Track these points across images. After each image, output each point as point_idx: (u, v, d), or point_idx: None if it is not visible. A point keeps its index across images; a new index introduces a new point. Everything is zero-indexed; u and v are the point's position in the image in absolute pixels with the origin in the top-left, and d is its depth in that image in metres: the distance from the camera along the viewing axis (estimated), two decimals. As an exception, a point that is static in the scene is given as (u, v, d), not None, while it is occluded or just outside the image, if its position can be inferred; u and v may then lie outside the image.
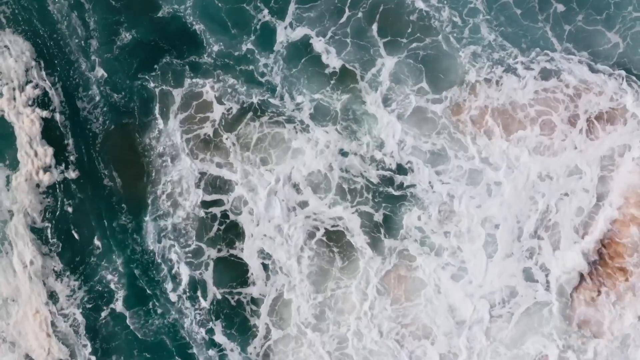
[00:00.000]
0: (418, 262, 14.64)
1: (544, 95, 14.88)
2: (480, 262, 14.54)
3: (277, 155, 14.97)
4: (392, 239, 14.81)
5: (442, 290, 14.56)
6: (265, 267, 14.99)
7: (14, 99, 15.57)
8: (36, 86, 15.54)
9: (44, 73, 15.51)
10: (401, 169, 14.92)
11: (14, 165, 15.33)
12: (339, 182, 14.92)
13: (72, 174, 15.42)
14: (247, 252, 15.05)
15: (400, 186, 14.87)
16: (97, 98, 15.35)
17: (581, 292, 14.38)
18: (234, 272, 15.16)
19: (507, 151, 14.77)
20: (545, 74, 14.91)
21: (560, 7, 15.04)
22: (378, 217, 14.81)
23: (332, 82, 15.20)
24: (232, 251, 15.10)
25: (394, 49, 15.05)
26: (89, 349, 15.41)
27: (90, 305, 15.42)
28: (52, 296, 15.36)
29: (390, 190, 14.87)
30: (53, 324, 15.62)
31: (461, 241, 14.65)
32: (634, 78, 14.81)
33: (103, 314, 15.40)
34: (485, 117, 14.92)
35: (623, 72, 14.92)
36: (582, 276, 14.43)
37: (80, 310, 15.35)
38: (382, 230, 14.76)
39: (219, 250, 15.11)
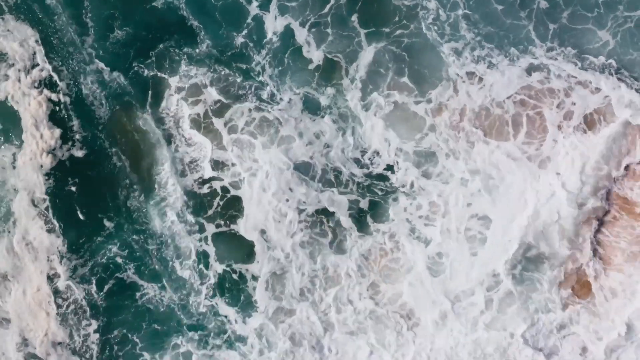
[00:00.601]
0: (402, 247, 15.23)
1: (528, 94, 15.12)
2: (462, 259, 15.06)
3: (264, 142, 15.51)
4: (378, 223, 15.37)
5: (422, 279, 15.11)
6: (262, 242, 15.52)
7: (20, 80, 15.77)
8: (42, 70, 15.78)
9: (47, 58, 15.78)
10: (387, 168, 15.44)
11: (20, 145, 15.63)
12: (325, 172, 15.49)
13: (78, 153, 15.73)
14: (246, 228, 15.60)
15: (385, 185, 15.41)
16: (98, 83, 15.76)
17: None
18: (234, 246, 15.67)
19: (491, 154, 15.13)
20: (530, 72, 15.14)
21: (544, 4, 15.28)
22: (364, 204, 15.38)
23: (316, 75, 15.66)
24: (232, 226, 15.61)
25: (375, 39, 15.52)
26: (93, 326, 15.82)
27: (93, 282, 15.76)
28: (55, 275, 15.68)
29: (377, 187, 15.43)
30: (54, 302, 15.73)
31: (445, 237, 15.18)
32: (624, 76, 15.10)
33: (106, 289, 15.77)
34: (466, 117, 15.22)
35: (613, 72, 15.14)
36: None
37: (83, 287, 15.70)
38: (368, 216, 15.34)
39: (218, 226, 15.61)
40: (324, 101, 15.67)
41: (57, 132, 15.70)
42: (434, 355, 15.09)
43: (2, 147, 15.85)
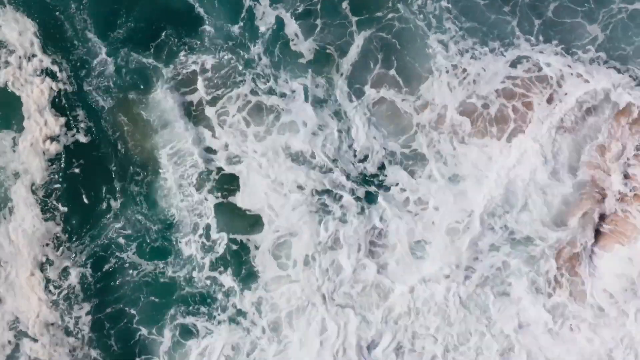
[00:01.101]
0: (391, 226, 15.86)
1: (512, 89, 15.64)
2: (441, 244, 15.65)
3: (259, 130, 16.10)
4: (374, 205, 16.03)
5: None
6: (265, 213, 16.02)
7: (20, 67, 16.08)
8: (41, 60, 16.15)
9: (47, 48, 16.17)
10: (376, 166, 16.06)
11: (20, 130, 15.92)
12: (321, 163, 16.09)
13: (82, 139, 16.06)
14: (248, 200, 16.14)
15: (377, 180, 16.08)
16: (99, 73, 16.17)
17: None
18: (236, 218, 16.13)
19: (476, 154, 15.72)
20: (515, 66, 15.72)
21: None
22: (360, 192, 16.02)
23: (311, 68, 16.24)
24: (231, 199, 16.13)
25: (365, 25, 16.15)
26: (86, 308, 16.04)
27: (89, 265, 15.99)
28: (49, 261, 15.92)
29: (370, 181, 16.10)
30: (48, 287, 15.94)
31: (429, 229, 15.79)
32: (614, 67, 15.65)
33: (104, 270, 16.06)
34: (449, 114, 15.79)
35: (601, 63, 15.57)
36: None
37: (79, 270, 15.95)
38: (364, 200, 16.01)
39: (218, 198, 16.10)
40: (319, 93, 16.22)
41: (62, 120, 16.01)
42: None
43: (3, 131, 16.04)
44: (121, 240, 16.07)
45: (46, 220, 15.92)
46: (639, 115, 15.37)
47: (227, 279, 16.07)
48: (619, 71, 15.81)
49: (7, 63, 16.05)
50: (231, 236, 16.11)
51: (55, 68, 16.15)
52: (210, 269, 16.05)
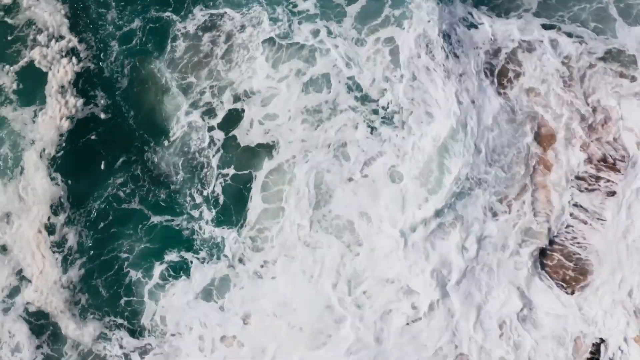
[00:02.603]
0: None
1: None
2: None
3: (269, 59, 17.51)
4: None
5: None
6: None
7: (48, 46, 17.32)
8: (69, 41, 17.40)
9: (73, 31, 17.46)
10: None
11: (43, 103, 17.21)
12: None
13: (99, 114, 17.39)
14: (249, 136, 17.37)
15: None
16: (118, 53, 17.59)
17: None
18: (236, 156, 17.30)
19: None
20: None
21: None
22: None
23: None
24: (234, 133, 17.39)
25: None
26: (84, 260, 17.07)
27: (91, 221, 17.19)
28: (55, 221, 17.07)
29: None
30: (51, 247, 16.98)
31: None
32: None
33: (104, 224, 17.19)
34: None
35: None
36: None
37: (81, 229, 17.14)
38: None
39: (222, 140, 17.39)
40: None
41: (81, 100, 17.27)
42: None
43: (27, 106, 17.29)
44: (120, 194, 17.24)
45: (54, 183, 17.13)
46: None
47: (222, 224, 17.16)
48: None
49: (35, 41, 17.33)
50: (229, 180, 17.24)
51: (81, 48, 17.43)
52: (205, 213, 17.16)
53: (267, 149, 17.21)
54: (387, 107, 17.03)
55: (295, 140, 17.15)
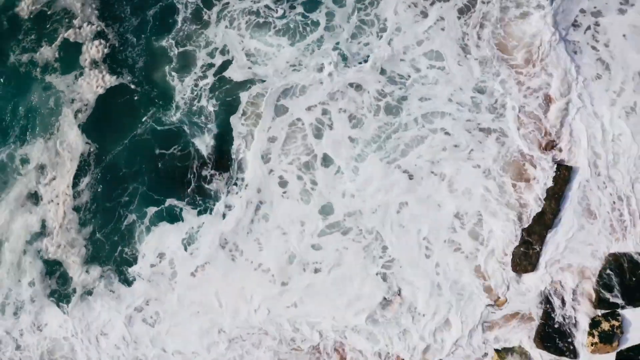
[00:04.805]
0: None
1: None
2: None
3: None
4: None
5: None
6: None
7: (80, 29, 19.66)
8: (98, 26, 19.68)
9: (103, 14, 19.85)
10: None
11: (80, 70, 19.49)
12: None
13: (125, 82, 19.69)
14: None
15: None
16: (136, 33, 19.97)
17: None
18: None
19: None
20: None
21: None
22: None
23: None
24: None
25: None
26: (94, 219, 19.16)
27: (108, 182, 19.23)
28: (77, 184, 19.04)
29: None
30: (73, 207, 19.07)
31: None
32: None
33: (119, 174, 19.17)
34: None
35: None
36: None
37: (100, 187, 19.25)
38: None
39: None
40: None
41: (109, 73, 19.50)
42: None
43: (67, 74, 19.50)
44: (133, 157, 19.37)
45: (86, 142, 19.16)
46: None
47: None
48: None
49: (69, 26, 19.56)
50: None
51: (108, 31, 19.77)
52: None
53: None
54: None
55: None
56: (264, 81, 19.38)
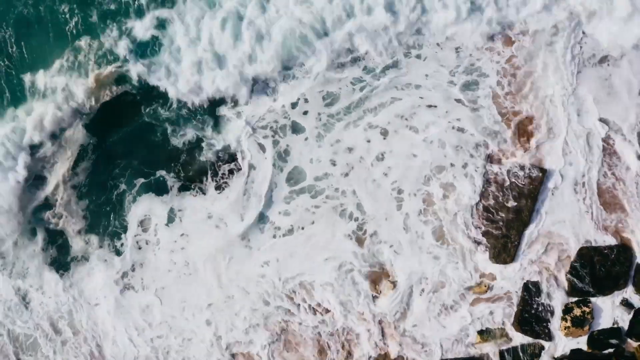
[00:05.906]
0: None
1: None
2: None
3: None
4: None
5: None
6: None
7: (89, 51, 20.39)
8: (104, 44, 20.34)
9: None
10: None
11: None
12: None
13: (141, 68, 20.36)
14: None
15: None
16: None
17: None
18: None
19: None
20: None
21: None
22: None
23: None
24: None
25: None
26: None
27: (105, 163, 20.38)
28: (77, 165, 20.14)
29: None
30: (73, 186, 20.26)
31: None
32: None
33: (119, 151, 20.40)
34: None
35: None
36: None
37: (98, 167, 20.45)
38: None
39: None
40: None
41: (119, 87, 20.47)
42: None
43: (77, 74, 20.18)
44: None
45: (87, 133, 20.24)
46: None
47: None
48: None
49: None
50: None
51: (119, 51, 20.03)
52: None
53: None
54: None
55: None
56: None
